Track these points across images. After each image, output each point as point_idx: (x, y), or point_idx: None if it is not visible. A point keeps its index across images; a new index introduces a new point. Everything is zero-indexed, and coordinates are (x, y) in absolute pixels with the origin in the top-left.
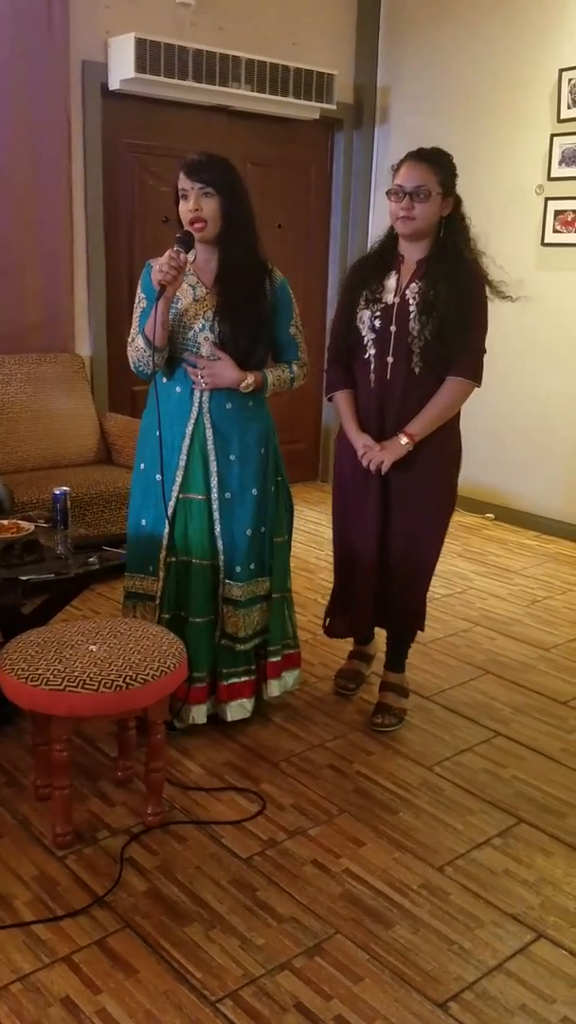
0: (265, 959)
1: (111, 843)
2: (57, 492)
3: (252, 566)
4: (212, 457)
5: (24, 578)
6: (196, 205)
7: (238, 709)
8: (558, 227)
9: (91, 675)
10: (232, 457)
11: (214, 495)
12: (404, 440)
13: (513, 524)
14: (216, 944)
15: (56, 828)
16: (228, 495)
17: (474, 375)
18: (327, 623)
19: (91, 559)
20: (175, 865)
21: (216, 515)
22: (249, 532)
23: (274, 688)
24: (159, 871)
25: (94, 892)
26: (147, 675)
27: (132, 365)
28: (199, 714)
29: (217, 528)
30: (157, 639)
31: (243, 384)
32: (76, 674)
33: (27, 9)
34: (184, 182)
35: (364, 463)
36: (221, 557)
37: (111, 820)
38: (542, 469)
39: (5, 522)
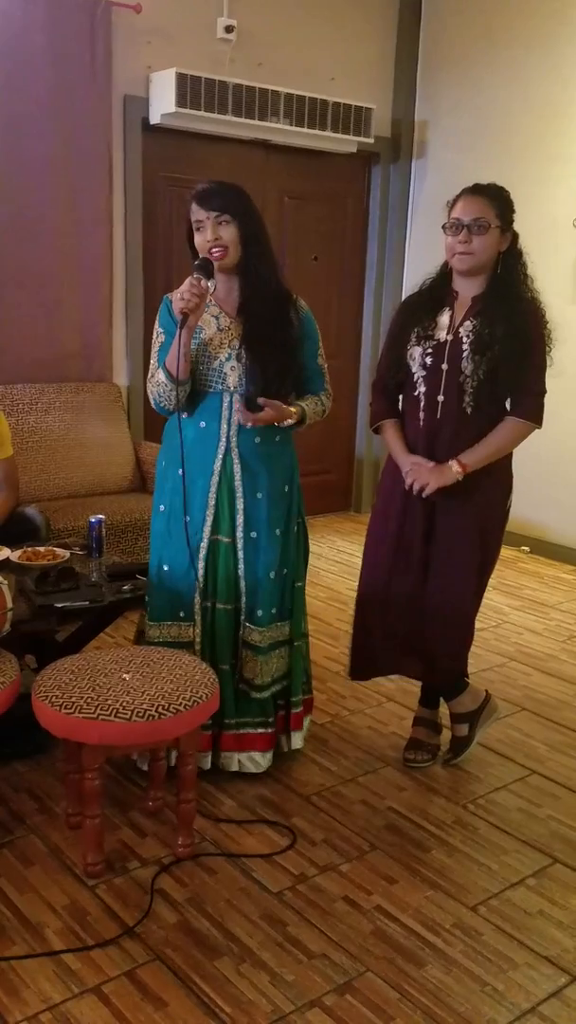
0: (295, 995)
1: (142, 873)
2: (92, 520)
3: (274, 610)
4: (240, 494)
5: (59, 605)
6: (214, 234)
7: (249, 762)
8: None
9: (124, 704)
10: (260, 495)
11: (239, 534)
12: (456, 468)
13: (549, 557)
14: (246, 979)
15: (87, 857)
16: (254, 535)
17: (535, 416)
18: (351, 665)
19: (125, 587)
20: (205, 898)
21: (240, 555)
22: (272, 574)
23: (298, 740)
24: (189, 903)
25: (124, 923)
26: (179, 705)
27: (153, 401)
28: (230, 761)
29: (241, 569)
30: (190, 669)
31: (292, 416)
32: (109, 703)
33: (71, 45)
34: (198, 212)
35: (407, 482)
36: (243, 600)
37: (142, 850)
38: None
39: (41, 549)
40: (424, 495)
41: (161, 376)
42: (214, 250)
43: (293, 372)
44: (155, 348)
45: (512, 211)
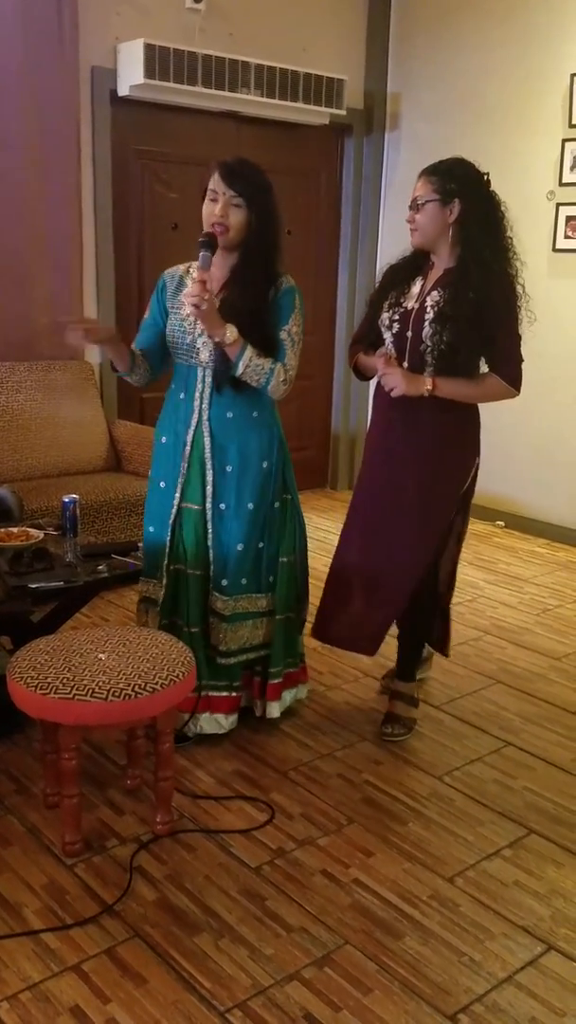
0: (274, 969)
1: (120, 851)
2: (66, 500)
3: (244, 581)
4: (209, 466)
5: (33, 586)
6: (224, 212)
7: (212, 723)
8: (569, 233)
9: (100, 684)
10: (229, 468)
11: (208, 504)
12: (428, 384)
13: (523, 532)
14: (225, 954)
15: (65, 836)
16: (223, 506)
17: (514, 383)
18: (317, 626)
19: (100, 567)
20: (184, 874)
21: (209, 526)
22: (241, 547)
23: (274, 709)
24: (168, 880)
25: (103, 901)
26: (156, 684)
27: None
28: (208, 724)
29: (210, 539)
30: (166, 648)
31: (227, 333)
32: (85, 683)
33: (37, 15)
34: (218, 184)
35: (381, 379)
36: (212, 568)
37: (120, 828)
38: (552, 477)
39: (15, 530)
40: (393, 395)
41: None
42: (216, 226)
43: (259, 344)
44: (143, 323)
45: (455, 181)
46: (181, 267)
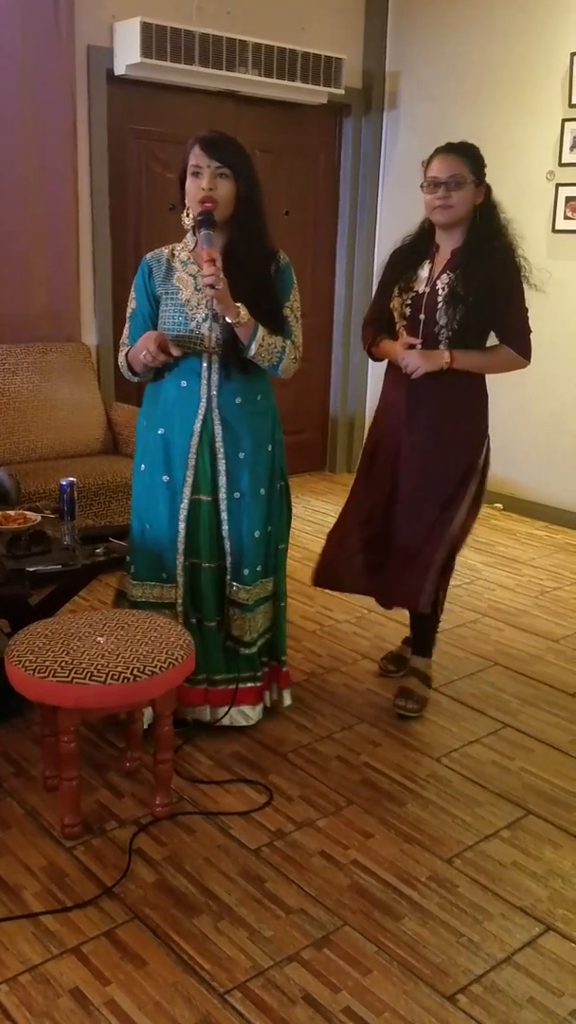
0: (274, 951)
1: (119, 834)
2: (64, 483)
3: (259, 568)
4: (221, 455)
5: (31, 569)
6: (211, 185)
7: (240, 716)
8: (569, 213)
9: (99, 667)
10: (242, 455)
11: (222, 495)
12: (446, 356)
13: (522, 514)
14: (225, 936)
15: (64, 819)
16: (237, 495)
17: (525, 353)
18: (319, 572)
19: (98, 550)
20: (184, 856)
21: (224, 515)
22: (257, 534)
23: (287, 697)
24: (168, 862)
25: (103, 883)
26: (155, 667)
27: (120, 368)
28: (238, 716)
29: (225, 529)
30: (164, 631)
31: (240, 313)
32: (83, 666)
33: None
34: (200, 158)
35: (402, 363)
36: (228, 559)
37: (119, 811)
38: (551, 459)
39: (12, 513)
40: (414, 377)
41: (123, 359)
42: (205, 203)
43: (268, 324)
44: (128, 313)
45: (483, 166)
46: (164, 250)
